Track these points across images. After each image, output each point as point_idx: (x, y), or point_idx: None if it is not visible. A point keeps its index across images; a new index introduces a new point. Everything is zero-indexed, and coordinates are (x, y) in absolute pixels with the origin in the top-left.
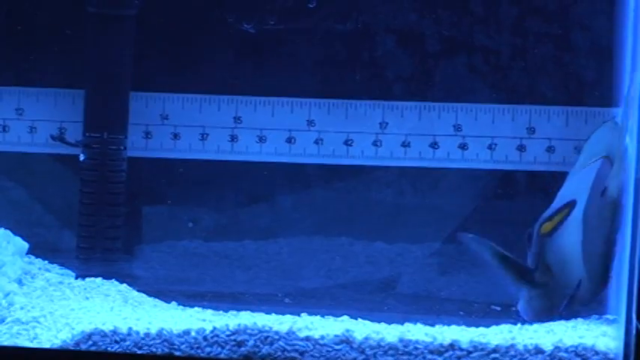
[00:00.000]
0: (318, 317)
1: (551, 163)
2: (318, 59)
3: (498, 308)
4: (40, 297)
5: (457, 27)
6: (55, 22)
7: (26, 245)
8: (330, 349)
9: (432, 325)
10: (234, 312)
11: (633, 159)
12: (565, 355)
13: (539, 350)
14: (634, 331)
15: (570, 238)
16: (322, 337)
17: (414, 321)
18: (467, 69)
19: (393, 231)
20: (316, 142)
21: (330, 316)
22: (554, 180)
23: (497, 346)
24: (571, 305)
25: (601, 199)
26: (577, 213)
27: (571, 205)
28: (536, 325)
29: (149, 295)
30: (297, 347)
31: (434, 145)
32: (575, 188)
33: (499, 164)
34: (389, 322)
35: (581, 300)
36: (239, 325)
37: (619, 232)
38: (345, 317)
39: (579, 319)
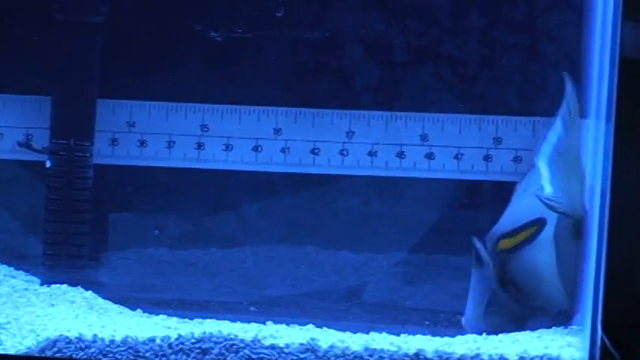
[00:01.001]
0: (284, 326)
1: (518, 174)
2: (286, 68)
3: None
4: (5, 303)
5: (425, 37)
6: (23, 29)
7: None
8: (295, 358)
9: (398, 334)
10: (200, 320)
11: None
12: None
13: None
14: (599, 342)
15: (544, 258)
16: (287, 346)
17: (380, 330)
18: (434, 79)
19: (358, 240)
20: (283, 150)
21: (296, 325)
22: None
23: (462, 355)
24: (541, 324)
25: (567, 219)
26: (548, 232)
27: (540, 223)
28: (501, 335)
29: (114, 302)
30: (262, 355)
31: (400, 155)
32: (542, 206)
33: (466, 174)
34: (354, 331)
35: (562, 320)
36: (204, 332)
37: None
38: (310, 326)
39: (543, 330)
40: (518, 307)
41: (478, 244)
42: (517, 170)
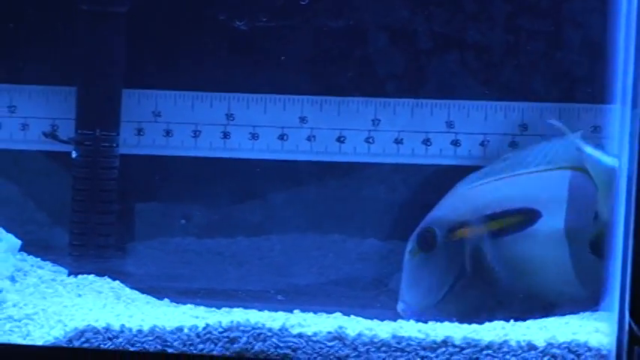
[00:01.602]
0: (311, 314)
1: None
2: (311, 56)
3: None
4: (32, 294)
5: (450, 24)
6: (47, 19)
7: (19, 243)
8: (323, 346)
9: (425, 321)
10: (227, 309)
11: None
12: (558, 351)
13: (531, 347)
14: (627, 328)
15: (533, 250)
16: (315, 334)
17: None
18: (459, 66)
19: (385, 228)
20: (308, 138)
21: (323, 313)
22: None
23: (490, 342)
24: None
25: (595, 223)
26: (543, 226)
27: (532, 214)
28: (529, 322)
29: (142, 292)
30: (289, 344)
31: (426, 142)
32: (532, 195)
33: (492, 161)
34: (382, 319)
35: (571, 309)
36: (232, 322)
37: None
38: (338, 314)
39: (571, 316)
40: (482, 297)
41: (430, 230)
42: None
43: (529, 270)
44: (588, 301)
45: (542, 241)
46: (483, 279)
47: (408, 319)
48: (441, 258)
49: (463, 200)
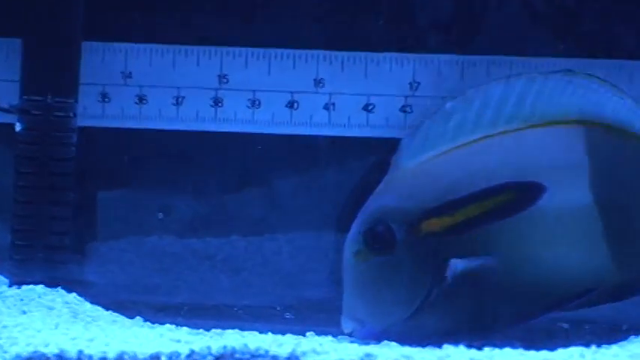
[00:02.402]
0: (329, 338)
1: None
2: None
3: (566, 325)
4: None
5: None
6: None
7: None
8: None
9: (479, 347)
10: (218, 330)
11: None
12: None
13: None
14: None
15: (543, 233)
16: None
17: (454, 342)
18: (523, 15)
19: None
20: (326, 107)
21: (345, 336)
22: None
23: None
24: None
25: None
26: (551, 202)
27: (530, 188)
28: (615, 348)
29: (106, 308)
30: None
31: None
32: (524, 164)
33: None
34: (424, 344)
35: (606, 296)
36: (225, 347)
37: None
38: None
39: None
40: (475, 304)
41: (384, 225)
42: None
43: (541, 259)
44: (629, 285)
45: (556, 219)
46: (472, 281)
47: (362, 341)
48: (406, 261)
49: (417, 180)
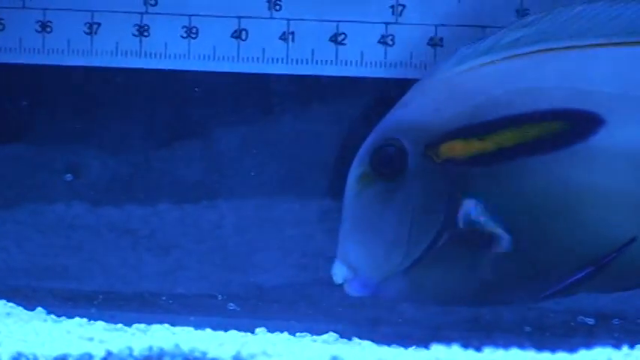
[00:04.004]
0: (285, 334)
1: None
2: None
3: (591, 321)
4: None
5: None
6: None
7: None
8: None
9: (478, 348)
10: (142, 325)
11: None
12: None
13: None
14: None
15: (596, 175)
16: None
17: (444, 339)
18: None
19: None
20: (283, 37)
21: (306, 333)
22: None
23: None
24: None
25: None
26: (607, 140)
27: (586, 119)
28: None
29: None
30: None
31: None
32: (587, 88)
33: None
34: (403, 343)
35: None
36: (150, 348)
37: None
38: (331, 335)
39: None
40: (488, 264)
41: (395, 143)
42: None
43: (583, 206)
44: None
45: (608, 161)
46: (489, 232)
47: (355, 293)
48: (415, 192)
49: (449, 92)
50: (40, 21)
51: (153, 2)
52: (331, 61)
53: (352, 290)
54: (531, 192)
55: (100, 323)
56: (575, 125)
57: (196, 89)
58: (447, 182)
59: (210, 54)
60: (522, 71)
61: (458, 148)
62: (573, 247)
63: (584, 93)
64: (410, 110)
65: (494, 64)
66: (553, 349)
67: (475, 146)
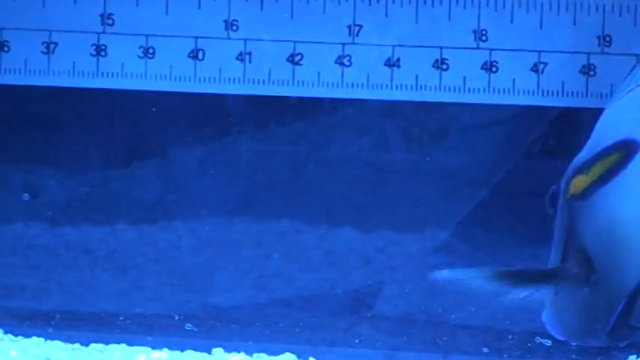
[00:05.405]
0: (242, 355)
1: None
2: None
3: (548, 342)
4: None
5: None
6: None
7: None
8: None
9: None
10: (100, 346)
11: None
12: None
13: None
14: None
15: (628, 202)
16: None
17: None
18: None
19: (371, 214)
20: (240, 57)
21: (263, 354)
22: None
23: None
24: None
25: None
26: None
27: (627, 147)
28: None
29: None
30: None
31: (439, 65)
32: (629, 121)
33: None
34: None
35: None
36: None
37: None
38: (288, 355)
39: None
40: (587, 293)
41: (557, 186)
42: None
43: (622, 240)
44: None
45: (630, 186)
46: (581, 266)
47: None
48: (558, 224)
49: (597, 128)
50: None
51: (110, 22)
52: (288, 81)
53: (548, 327)
54: (606, 213)
55: (58, 343)
56: (626, 154)
57: (153, 109)
58: (571, 213)
59: (167, 74)
60: (621, 107)
61: (578, 184)
62: (620, 273)
63: (628, 126)
64: (586, 149)
65: (620, 100)
66: None
67: (582, 181)
